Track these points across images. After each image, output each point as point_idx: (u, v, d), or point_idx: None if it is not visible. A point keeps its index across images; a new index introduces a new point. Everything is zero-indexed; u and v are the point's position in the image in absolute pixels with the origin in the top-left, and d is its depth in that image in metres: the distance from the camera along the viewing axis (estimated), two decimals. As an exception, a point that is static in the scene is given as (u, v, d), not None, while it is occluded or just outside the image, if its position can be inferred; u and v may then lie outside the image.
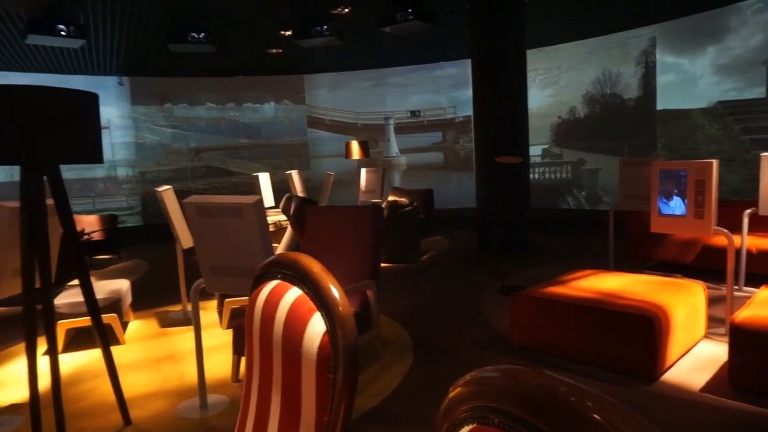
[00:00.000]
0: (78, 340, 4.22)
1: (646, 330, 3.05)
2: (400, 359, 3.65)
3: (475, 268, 6.47)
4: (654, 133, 8.79)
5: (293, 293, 1.16)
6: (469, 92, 10.02)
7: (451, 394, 0.64)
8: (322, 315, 1.06)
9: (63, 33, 6.25)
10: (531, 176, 7.73)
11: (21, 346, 4.23)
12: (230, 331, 4.28)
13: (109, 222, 7.56)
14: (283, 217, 5.94)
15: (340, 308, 1.04)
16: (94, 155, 2.46)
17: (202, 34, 7.02)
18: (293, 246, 4.75)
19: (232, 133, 11.30)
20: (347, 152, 8.94)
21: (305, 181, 9.12)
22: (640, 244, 5.67)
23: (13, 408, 3.17)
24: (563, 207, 10.04)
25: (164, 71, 10.22)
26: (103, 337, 2.78)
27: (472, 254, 7.27)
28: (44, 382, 3.02)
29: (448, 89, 10.97)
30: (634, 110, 9.03)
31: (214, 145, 11.23)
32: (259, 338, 1.25)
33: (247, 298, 4.13)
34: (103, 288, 4.27)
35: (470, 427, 0.60)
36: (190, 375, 3.56)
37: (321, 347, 1.04)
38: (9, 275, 2.87)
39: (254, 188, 7.91)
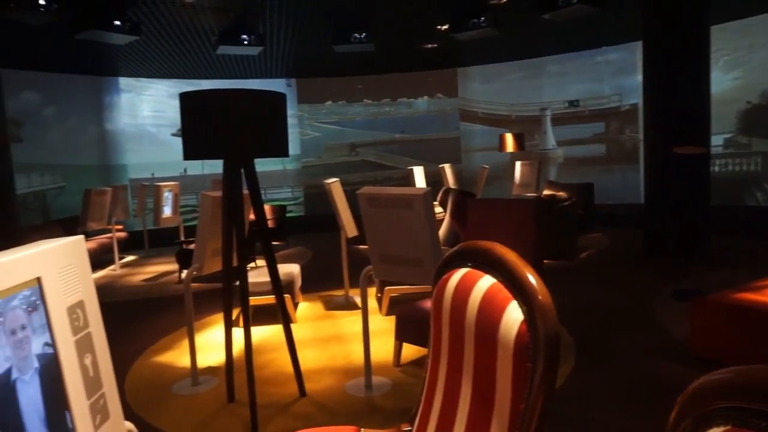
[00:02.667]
0: (254, 317, 4.72)
1: None
2: (561, 360, 3.51)
3: (642, 269, 5.96)
4: None
5: (486, 281, 1.18)
6: (637, 78, 9.23)
7: (697, 389, 0.59)
8: (519, 303, 1.07)
9: (245, 42, 6.99)
10: (711, 169, 6.87)
11: (215, 317, 4.87)
12: (389, 318, 4.48)
13: (279, 212, 8.31)
14: (439, 209, 6.04)
15: (540, 297, 1.03)
16: (282, 149, 2.72)
17: (364, 34, 7.36)
18: (450, 237, 4.80)
19: (386, 128, 11.73)
20: (501, 145, 8.77)
21: (457, 175, 9.15)
22: None
23: (209, 370, 3.65)
24: (751, 204, 8.79)
25: (327, 72, 10.92)
26: (285, 314, 3.08)
27: (638, 254, 6.70)
28: (234, 349, 3.44)
29: (611, 76, 10.20)
30: None
31: (370, 140, 11.75)
32: (448, 323, 1.29)
33: (407, 287, 4.25)
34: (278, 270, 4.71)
35: (724, 428, 0.56)
36: (355, 356, 3.78)
37: (518, 335, 1.04)
38: (209, 255, 3.30)
39: (408, 182, 8.13)
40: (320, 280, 5.94)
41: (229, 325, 3.10)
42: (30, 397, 0.97)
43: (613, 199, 9.77)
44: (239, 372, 3.22)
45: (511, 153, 8.82)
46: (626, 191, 9.81)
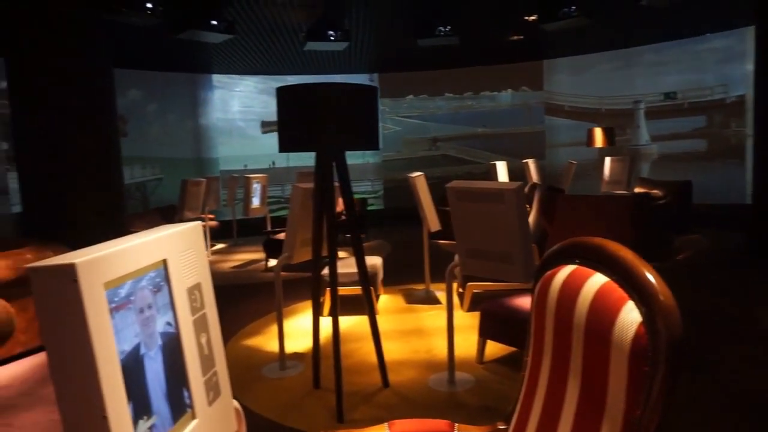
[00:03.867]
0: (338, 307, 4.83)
1: None
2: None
3: (747, 273, 5.49)
4: None
5: (597, 279, 1.12)
6: (745, 67, 8.49)
7: None
8: (636, 304, 1.01)
9: (332, 38, 7.14)
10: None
11: (300, 305, 5.03)
12: (471, 314, 4.43)
13: (361, 204, 8.44)
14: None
15: (661, 297, 0.97)
16: (373, 142, 2.75)
17: (448, 27, 7.29)
18: (536, 234, 4.66)
19: (468, 122, 11.56)
20: (589, 140, 8.39)
21: (541, 170, 8.86)
22: None
23: (296, 356, 3.78)
24: None
25: (408, 66, 10.92)
26: (371, 305, 3.12)
27: (742, 258, 6.19)
28: (320, 337, 3.52)
29: (715, 65, 9.44)
30: None
31: (451, 134, 11.64)
32: (553, 322, 1.24)
33: (490, 283, 4.16)
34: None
35: None
36: (438, 350, 3.78)
37: (636, 338, 0.98)
38: (299, 245, 3.40)
39: (489, 177, 7.98)
40: (400, 274, 5.97)
41: (317, 313, 3.19)
42: (155, 372, 1.04)
43: (713, 199, 9.06)
44: (325, 359, 3.31)
45: (599, 148, 8.42)
46: (729, 190, 9.07)
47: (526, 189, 5.38)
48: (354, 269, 4.30)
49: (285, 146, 2.67)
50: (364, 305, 4.59)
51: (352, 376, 3.33)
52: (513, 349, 3.55)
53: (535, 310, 1.34)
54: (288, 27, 7.41)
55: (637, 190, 7.66)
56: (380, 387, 3.22)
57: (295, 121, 2.64)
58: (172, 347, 1.11)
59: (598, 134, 8.26)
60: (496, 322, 3.33)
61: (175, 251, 1.13)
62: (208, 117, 10.89)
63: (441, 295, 5.17)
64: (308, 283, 5.57)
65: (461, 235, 2.85)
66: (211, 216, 7.73)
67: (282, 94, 2.65)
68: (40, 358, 3.96)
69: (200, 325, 1.19)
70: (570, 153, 10.41)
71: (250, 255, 7.79)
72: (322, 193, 2.79)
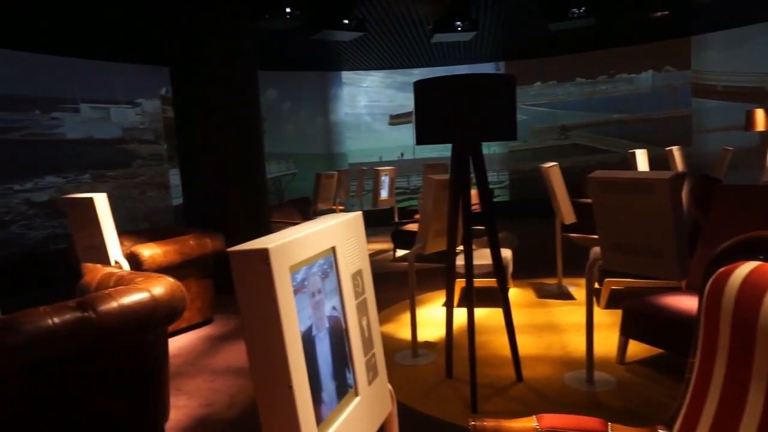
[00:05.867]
0: (464, 299, 4.82)
1: None
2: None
3: None
4: None
5: (788, 278, 1.02)
6: None
7: None
8: (842, 307, 0.90)
9: (459, 29, 7.09)
10: None
11: (430, 295, 5.11)
12: (608, 311, 4.19)
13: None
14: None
15: None
16: (510, 132, 2.70)
17: (583, 8, 6.89)
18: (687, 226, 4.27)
19: (602, 108, 10.85)
20: (748, 123, 7.47)
21: (687, 158, 8.06)
22: None
23: (427, 345, 3.85)
24: None
25: (537, 52, 10.51)
26: (505, 298, 3.08)
27: None
28: (445, 329, 3.55)
29: None
30: None
31: (582, 121, 11.01)
32: (730, 324, 1.14)
33: (631, 279, 3.90)
34: (490, 255, 4.73)
35: None
36: (573, 347, 3.63)
37: (842, 345, 0.88)
38: (432, 236, 3.45)
39: (626, 166, 7.42)
40: (529, 267, 5.80)
41: (450, 303, 3.22)
42: (323, 352, 1.13)
43: None
44: (456, 350, 3.34)
45: (761, 132, 7.46)
46: None
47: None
48: (485, 261, 4.27)
49: (422, 139, 2.72)
50: (495, 298, 4.57)
51: (485, 368, 3.32)
52: (659, 350, 3.31)
53: (706, 309, 1.24)
54: (415, 21, 7.49)
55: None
56: (513, 381, 3.18)
57: (432, 113, 2.67)
58: (338, 330, 1.19)
59: (760, 116, 7.32)
60: (641, 320, 3.12)
61: (342, 239, 1.21)
62: (337, 113, 11.39)
63: (574, 291, 4.95)
64: (437, 274, 5.65)
65: (604, 228, 2.70)
66: (341, 207, 8.10)
67: (419, 87, 2.70)
68: (200, 332, 4.46)
69: (362, 309, 1.27)
70: (722, 138, 9.34)
71: (378, 245, 8.04)
72: (459, 185, 2.80)
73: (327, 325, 1.15)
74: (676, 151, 7.64)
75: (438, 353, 3.66)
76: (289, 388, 0.96)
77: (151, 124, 9.38)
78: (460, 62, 10.76)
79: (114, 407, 2.47)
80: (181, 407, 3.10)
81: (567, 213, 4.42)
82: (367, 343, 1.28)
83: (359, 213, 1.31)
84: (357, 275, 1.26)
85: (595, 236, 2.80)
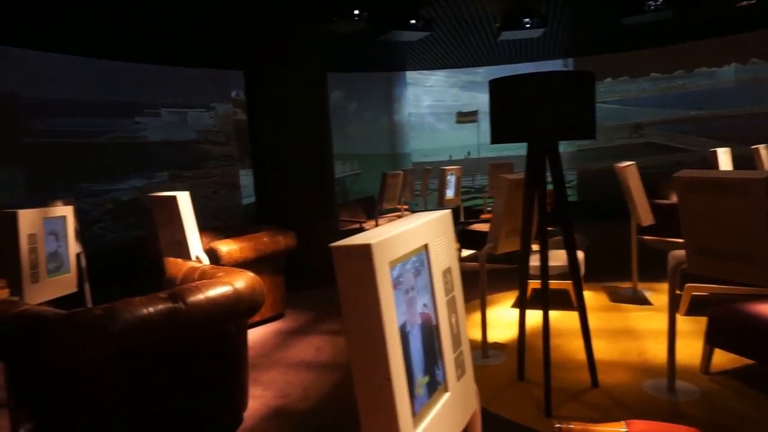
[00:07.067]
0: (537, 300, 4.72)
1: None
2: None
3: None
4: None
5: None
6: None
7: None
8: None
9: (527, 25, 6.95)
10: None
11: (498, 296, 5.05)
12: (690, 318, 3.99)
13: (554, 196, 8.09)
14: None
15: None
16: (589, 131, 2.63)
17: (660, 0, 6.58)
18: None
19: (679, 104, 10.31)
20: None
21: (776, 157, 7.51)
22: None
23: (496, 345, 3.81)
24: None
25: (607, 47, 10.13)
26: (581, 301, 3.01)
27: None
28: (515, 330, 3.47)
29: None
30: None
31: (657, 119, 10.51)
32: None
33: (715, 285, 3.71)
34: (561, 256, 4.62)
35: None
36: (651, 354, 3.49)
37: None
38: (503, 236, 3.41)
39: (706, 166, 7.03)
40: (601, 270, 5.61)
41: (523, 304, 3.18)
42: (415, 348, 1.15)
43: None
44: (527, 351, 3.29)
45: None
46: None
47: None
48: (558, 262, 4.19)
49: (497, 138, 2.70)
50: (566, 300, 4.46)
51: (558, 372, 3.24)
52: (747, 361, 3.12)
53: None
54: (482, 19, 7.42)
55: None
56: (588, 386, 3.09)
57: (508, 112, 2.65)
58: (428, 326, 1.21)
59: None
60: (729, 329, 2.95)
61: (433, 237, 1.23)
62: (401, 113, 11.45)
63: (650, 296, 4.74)
64: (503, 275, 5.57)
65: (691, 231, 2.58)
66: (405, 206, 8.13)
67: (495, 86, 2.68)
68: (272, 326, 4.61)
69: (451, 306, 1.28)
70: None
71: (441, 245, 8.01)
72: (534, 184, 2.76)
73: (419, 321, 1.18)
74: (763, 149, 7.15)
75: (508, 354, 3.61)
76: (388, 379, 0.99)
77: (222, 127, 9.79)
78: (526, 60, 10.54)
79: (200, 395, 2.61)
80: (257, 397, 3.23)
81: (644, 214, 4.24)
82: (456, 340, 1.30)
83: (448, 211, 1.33)
84: (447, 272, 1.28)
85: (673, 239, 2.68)
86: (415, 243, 1.15)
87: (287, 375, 3.57)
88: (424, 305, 1.20)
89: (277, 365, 3.76)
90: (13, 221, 2.78)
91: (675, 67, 10.27)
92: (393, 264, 1.05)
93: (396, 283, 1.07)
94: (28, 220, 2.87)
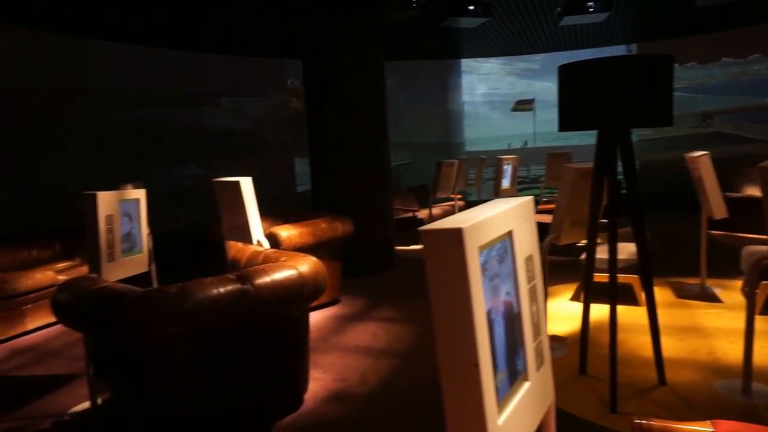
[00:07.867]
0: (600, 294, 4.58)
1: None
2: None
3: None
4: None
5: None
6: None
7: None
8: None
9: (591, 9, 6.69)
10: None
11: (556, 288, 4.94)
12: (763, 317, 3.78)
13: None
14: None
15: None
16: (665, 118, 2.51)
17: (738, -21, 6.19)
18: None
19: (753, 91, 9.70)
20: None
21: None
22: None
23: (556, 338, 3.73)
24: None
25: (675, 31, 9.63)
26: (650, 295, 2.90)
27: None
28: (574, 324, 3.39)
29: None
30: None
31: (728, 107, 9.93)
32: None
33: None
34: (625, 249, 4.46)
35: None
36: (722, 353, 3.34)
37: None
38: (567, 227, 3.32)
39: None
40: (665, 265, 5.38)
41: (588, 297, 3.09)
42: (499, 335, 1.13)
43: None
44: (590, 346, 3.20)
45: None
46: None
47: None
48: (622, 255, 4.04)
49: (566, 125, 2.62)
50: (629, 294, 4.31)
51: (623, 368, 3.13)
52: (833, 365, 2.94)
53: None
54: (543, 3, 7.20)
55: None
56: (655, 383, 2.98)
57: (578, 99, 2.56)
58: (511, 314, 1.19)
59: None
60: (814, 329, 2.77)
61: (517, 223, 1.21)
62: (456, 101, 11.31)
63: (720, 293, 4.52)
64: (561, 267, 5.43)
65: (776, 224, 2.43)
66: (458, 196, 8.06)
67: (564, 71, 2.60)
68: (329, 311, 4.69)
69: (532, 294, 1.26)
70: None
71: (495, 235, 7.90)
72: (602, 174, 2.67)
73: (502, 308, 1.16)
74: None
75: (569, 348, 3.53)
76: (476, 365, 0.98)
77: (278, 115, 9.97)
78: (586, 46, 10.18)
79: (264, 377, 2.68)
80: (317, 380, 3.29)
81: (717, 207, 4.02)
82: (536, 329, 1.27)
83: (531, 198, 1.30)
84: (529, 260, 1.25)
85: (746, 234, 2.53)
86: (501, 229, 1.13)
87: (345, 359, 3.62)
88: (507, 293, 1.18)
89: (335, 349, 3.82)
90: (93, 202, 2.93)
91: (750, 52, 9.66)
92: (481, 249, 1.04)
93: (483, 269, 1.05)
94: (106, 201, 3.02)
